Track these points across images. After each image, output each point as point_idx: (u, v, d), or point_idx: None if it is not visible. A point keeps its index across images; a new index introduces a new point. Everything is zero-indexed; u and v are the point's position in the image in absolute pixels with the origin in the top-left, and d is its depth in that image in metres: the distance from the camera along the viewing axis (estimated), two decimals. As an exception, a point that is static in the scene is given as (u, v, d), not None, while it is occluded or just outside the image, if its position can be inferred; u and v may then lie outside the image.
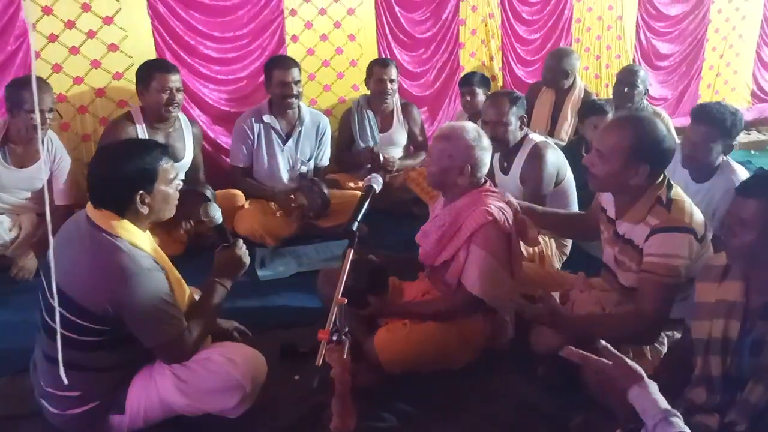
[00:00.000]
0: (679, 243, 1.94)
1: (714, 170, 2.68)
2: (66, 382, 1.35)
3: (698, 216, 2.02)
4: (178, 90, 3.23)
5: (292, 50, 4.13)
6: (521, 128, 2.98)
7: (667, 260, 1.93)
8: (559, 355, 2.08)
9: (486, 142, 2.32)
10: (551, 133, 4.18)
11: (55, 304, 1.45)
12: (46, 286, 1.84)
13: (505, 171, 3.08)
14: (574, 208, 3.06)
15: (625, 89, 3.88)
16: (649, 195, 2.03)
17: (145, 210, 1.85)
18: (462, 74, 4.49)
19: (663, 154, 2.02)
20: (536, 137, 3.02)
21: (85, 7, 3.55)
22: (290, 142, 3.64)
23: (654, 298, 1.96)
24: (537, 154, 2.91)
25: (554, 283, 2.50)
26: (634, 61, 5.40)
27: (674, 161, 2.38)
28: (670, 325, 2.07)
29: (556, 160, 2.95)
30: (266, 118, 3.57)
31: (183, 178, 3.22)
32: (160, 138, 3.28)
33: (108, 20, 3.62)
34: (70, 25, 3.54)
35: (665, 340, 2.11)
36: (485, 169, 2.33)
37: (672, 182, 2.08)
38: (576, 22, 5.16)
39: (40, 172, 3.09)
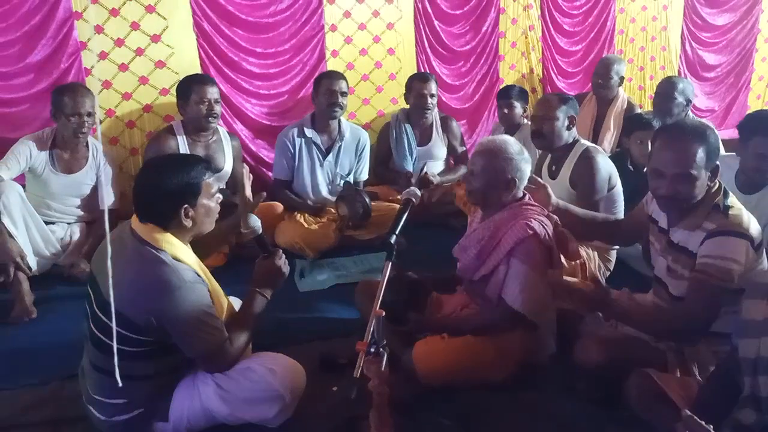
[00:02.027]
0: (735, 247, 1.90)
1: (765, 182, 2.61)
2: (120, 384, 1.40)
3: (755, 225, 1.98)
4: (216, 101, 3.34)
5: (332, 65, 4.19)
6: (569, 128, 2.94)
7: (722, 263, 1.88)
8: (601, 370, 2.07)
9: (527, 154, 2.30)
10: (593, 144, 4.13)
11: (113, 324, 1.48)
12: (93, 299, 1.90)
13: (553, 175, 3.04)
14: (621, 216, 3.01)
15: (662, 101, 3.81)
16: (706, 202, 2.00)
17: (188, 223, 1.89)
18: (501, 87, 4.48)
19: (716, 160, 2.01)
20: (587, 142, 2.99)
21: (134, 26, 3.68)
22: (330, 157, 3.69)
23: (703, 299, 1.92)
24: (589, 158, 2.88)
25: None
26: (679, 72, 5.30)
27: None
28: (719, 340, 2.01)
29: (608, 165, 2.92)
30: (308, 132, 3.63)
31: (223, 186, 3.35)
32: (200, 149, 3.40)
33: (155, 38, 3.74)
34: (119, 43, 3.67)
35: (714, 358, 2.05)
36: (526, 182, 2.32)
37: (728, 190, 2.04)
38: (619, 33, 5.09)
39: (86, 178, 3.21)
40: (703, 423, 1.48)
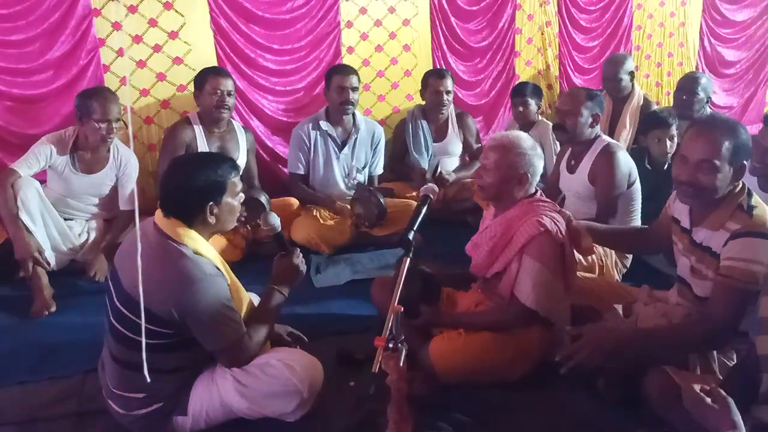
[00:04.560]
0: (759, 249, 1.87)
1: None
2: (149, 380, 1.42)
3: None
4: (229, 94, 3.40)
5: (347, 61, 4.18)
6: (592, 125, 2.94)
7: (747, 265, 1.86)
8: (619, 368, 2.05)
9: (540, 150, 2.30)
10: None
11: (142, 319, 1.48)
12: (114, 292, 1.92)
13: (572, 170, 3.04)
14: (638, 214, 3.01)
15: (684, 97, 3.79)
16: (730, 201, 1.98)
17: (212, 220, 1.92)
18: (515, 84, 4.46)
19: (749, 154, 1.97)
20: (608, 138, 3.00)
21: (152, 23, 3.71)
22: (346, 150, 3.70)
23: (728, 302, 1.90)
24: (609, 153, 2.88)
25: (615, 295, 2.44)
26: (697, 68, 5.24)
27: None
28: (740, 340, 1.99)
29: (628, 161, 2.92)
30: (323, 125, 3.65)
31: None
32: (215, 140, 3.46)
33: (173, 35, 3.77)
34: (137, 39, 3.70)
35: (734, 355, 2.03)
36: (538, 178, 2.31)
37: (751, 190, 2.02)
38: (636, 30, 5.05)
39: (106, 179, 3.23)
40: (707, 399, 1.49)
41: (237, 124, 3.63)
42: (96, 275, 3.11)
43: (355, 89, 3.61)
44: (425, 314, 2.24)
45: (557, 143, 3.95)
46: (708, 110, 3.92)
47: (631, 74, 4.11)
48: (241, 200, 2.02)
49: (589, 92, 2.98)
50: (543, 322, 2.22)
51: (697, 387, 1.53)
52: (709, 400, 1.48)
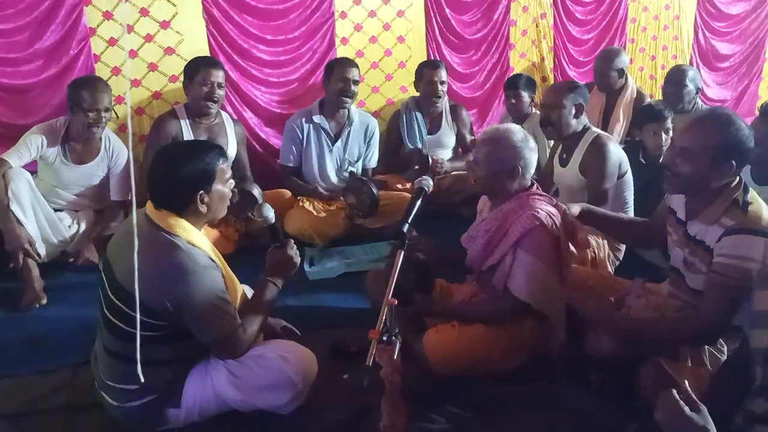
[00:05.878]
0: (754, 246, 1.87)
1: None
2: (143, 380, 1.40)
3: None
4: (219, 85, 3.35)
5: (341, 52, 4.16)
6: (577, 116, 2.93)
7: (740, 263, 1.86)
8: (613, 361, 2.06)
9: (533, 143, 2.29)
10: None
11: (137, 313, 1.48)
12: (107, 284, 1.90)
13: (564, 163, 3.04)
14: (630, 205, 3.01)
15: (673, 90, 3.81)
16: (725, 196, 1.97)
17: (204, 209, 1.90)
18: (509, 76, 4.45)
19: (748, 152, 1.96)
20: (597, 130, 2.99)
21: (144, 12, 3.66)
22: (339, 143, 3.68)
23: (720, 300, 1.90)
24: (599, 144, 2.87)
25: (609, 288, 2.44)
26: (691, 61, 5.26)
27: None
28: (731, 333, 2.00)
29: (618, 152, 2.92)
30: (316, 118, 3.62)
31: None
32: (202, 132, 3.41)
33: (165, 24, 3.73)
34: (129, 29, 3.65)
35: (725, 348, 2.04)
36: (532, 171, 2.30)
37: (748, 185, 2.01)
38: (631, 22, 5.05)
39: (98, 169, 3.21)
40: (680, 400, 1.47)
41: (226, 116, 3.57)
42: (84, 262, 3.07)
43: (356, 82, 3.60)
44: (418, 302, 2.24)
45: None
46: (699, 102, 3.94)
47: (620, 71, 4.06)
48: (232, 186, 2.00)
49: (570, 84, 3.00)
50: (536, 314, 2.22)
51: (675, 393, 1.49)
52: (687, 409, 1.45)
